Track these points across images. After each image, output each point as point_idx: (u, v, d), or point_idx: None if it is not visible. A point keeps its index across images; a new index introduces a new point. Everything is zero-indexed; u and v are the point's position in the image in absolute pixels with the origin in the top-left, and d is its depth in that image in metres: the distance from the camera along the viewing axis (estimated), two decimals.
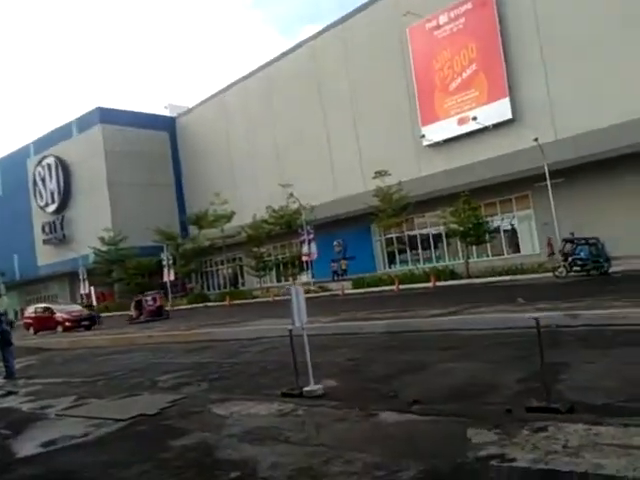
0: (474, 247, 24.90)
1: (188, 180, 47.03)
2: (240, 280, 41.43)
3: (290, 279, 36.44)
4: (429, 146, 29.11)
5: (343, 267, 30.51)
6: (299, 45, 37.03)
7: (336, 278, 29.97)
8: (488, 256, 25.87)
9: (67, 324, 22.96)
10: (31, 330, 23.90)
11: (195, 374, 8.95)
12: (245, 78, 42.01)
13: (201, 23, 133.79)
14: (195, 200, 43.45)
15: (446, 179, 24.75)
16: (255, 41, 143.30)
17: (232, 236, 33.61)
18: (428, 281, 22.96)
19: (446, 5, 27.72)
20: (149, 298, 24.15)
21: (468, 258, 23.68)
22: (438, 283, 22.45)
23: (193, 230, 39.06)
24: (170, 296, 36.01)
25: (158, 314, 23.52)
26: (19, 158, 50.51)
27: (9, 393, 9.60)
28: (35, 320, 24.70)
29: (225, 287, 40.38)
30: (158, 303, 24.29)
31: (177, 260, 36.65)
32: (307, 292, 29.47)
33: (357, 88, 33.11)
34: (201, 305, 32.94)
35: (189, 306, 33.55)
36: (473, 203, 21.62)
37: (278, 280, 37.39)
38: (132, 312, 24.42)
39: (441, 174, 25.78)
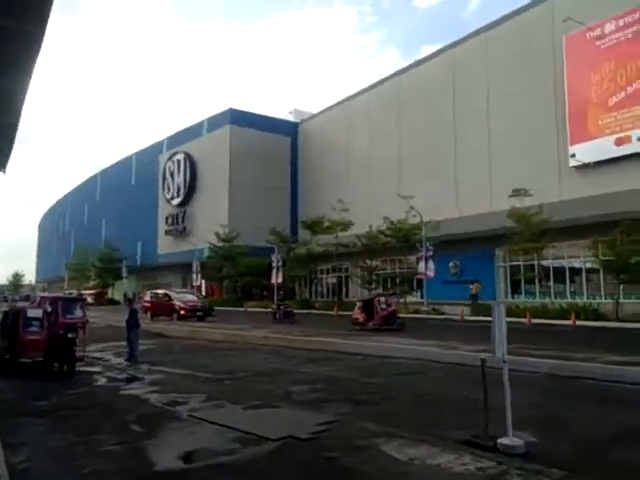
0: (622, 285, 21.47)
1: (303, 185, 47.24)
2: (344, 290, 40.41)
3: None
4: (576, 167, 25.96)
5: (474, 291, 28.10)
6: (435, 54, 35.49)
7: (472, 302, 27.45)
8: None
9: (182, 312, 23.37)
10: (148, 314, 24.63)
11: (332, 389, 7.84)
12: (372, 87, 41.29)
13: (333, 37, 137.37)
14: (308, 206, 43.39)
15: (598, 205, 21.68)
16: (379, 56, 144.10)
17: (346, 245, 32.68)
18: (565, 318, 20.10)
19: (612, 13, 24.66)
20: (382, 300, 19.14)
21: (618, 297, 20.42)
22: (578, 322, 19.52)
23: (304, 235, 38.81)
24: (275, 299, 35.95)
25: (390, 322, 18.22)
26: (153, 153, 54.35)
27: (133, 378, 9.21)
28: (153, 305, 25.50)
29: (328, 296, 39.60)
30: (392, 308, 19.19)
31: (287, 263, 36.55)
32: (417, 312, 27.79)
33: (495, 100, 30.76)
34: (305, 312, 32.35)
35: (295, 310, 33.11)
36: (635, 234, 18.51)
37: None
38: (358, 315, 19.18)
39: (590, 199, 22.70)
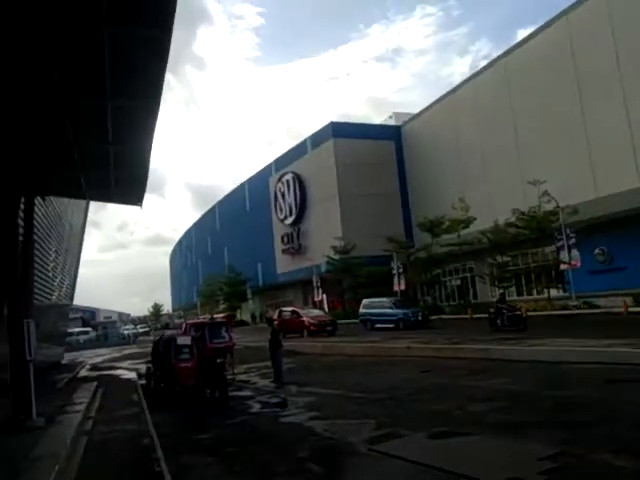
0: None
1: (413, 187, 45.57)
2: (471, 291, 37.82)
3: (535, 292, 31.60)
4: None
5: None
6: (545, 26, 32.26)
7: None
8: None
9: (312, 328, 23.13)
10: (269, 333, 24.72)
11: (520, 408, 6.54)
12: (476, 75, 38.76)
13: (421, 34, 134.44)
14: (420, 208, 41.58)
15: None
16: (470, 49, 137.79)
17: (470, 243, 30.48)
18: None
19: None
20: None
21: None
22: None
23: (420, 238, 37.07)
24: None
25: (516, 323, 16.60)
26: (263, 177, 56.33)
27: (287, 403, 8.63)
28: (282, 323, 25.55)
29: (453, 299, 37.34)
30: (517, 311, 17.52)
31: (408, 269, 35.13)
32: (565, 308, 24.77)
33: (626, 60, 26.95)
34: (435, 317, 30.61)
35: None
36: None
37: (519, 294, 32.70)
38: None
39: None
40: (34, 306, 9.38)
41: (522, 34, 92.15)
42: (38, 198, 9.70)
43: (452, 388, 8.40)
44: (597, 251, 28.16)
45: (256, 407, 8.57)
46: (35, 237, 10.75)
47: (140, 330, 58.69)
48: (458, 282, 38.14)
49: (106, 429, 7.21)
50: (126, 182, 9.78)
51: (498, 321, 17.62)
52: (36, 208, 9.77)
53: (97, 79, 5.99)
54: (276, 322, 26.09)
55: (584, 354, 9.95)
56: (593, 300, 24.73)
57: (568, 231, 24.73)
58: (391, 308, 24.29)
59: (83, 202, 18.75)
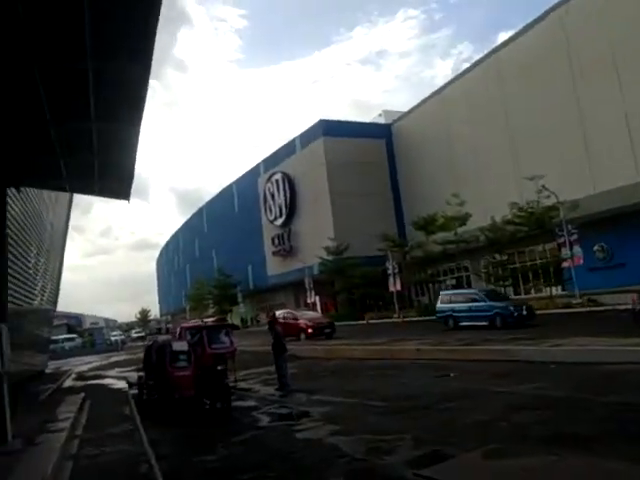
0: None
1: (405, 186, 44.92)
2: None
3: (533, 290, 31.11)
4: None
5: None
6: (540, 19, 31.83)
7: None
8: None
9: (310, 331, 22.22)
10: (272, 336, 23.79)
11: (570, 417, 5.74)
12: (468, 71, 38.25)
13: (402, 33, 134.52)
14: (413, 206, 40.96)
15: None
16: (451, 52, 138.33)
17: (467, 241, 29.82)
18: None
19: None
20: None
21: None
22: None
23: (414, 237, 36.33)
24: (397, 308, 33.92)
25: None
26: (251, 177, 55.25)
27: (299, 415, 7.72)
28: (279, 326, 24.64)
29: None
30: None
31: (403, 269, 34.39)
32: (569, 306, 24.15)
33: (623, 49, 26.58)
34: (433, 317, 29.86)
35: (421, 318, 30.79)
36: None
37: (516, 293, 32.13)
38: None
39: None
40: (8, 309, 8.32)
41: (503, 37, 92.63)
42: (12, 189, 8.67)
43: (481, 395, 7.57)
44: (597, 247, 27.71)
45: (264, 420, 7.64)
46: (11, 235, 9.71)
47: (135, 335, 57.26)
48: (453, 282, 37.54)
49: (95, 451, 6.23)
50: (111, 172, 8.80)
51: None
52: (10, 202, 8.75)
53: (75, 35, 5.03)
54: (279, 324, 25.23)
55: (616, 354, 9.20)
56: (596, 297, 24.24)
57: (569, 227, 24.20)
58: (483, 301, 19.50)
59: (65, 200, 17.66)
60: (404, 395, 8.14)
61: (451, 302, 21.08)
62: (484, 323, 18.73)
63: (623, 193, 24.63)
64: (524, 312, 18.35)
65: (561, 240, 24.48)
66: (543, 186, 24.78)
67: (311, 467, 4.93)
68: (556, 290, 28.35)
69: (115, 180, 9.48)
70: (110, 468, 5.51)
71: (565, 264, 24.62)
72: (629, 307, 19.94)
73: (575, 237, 24.04)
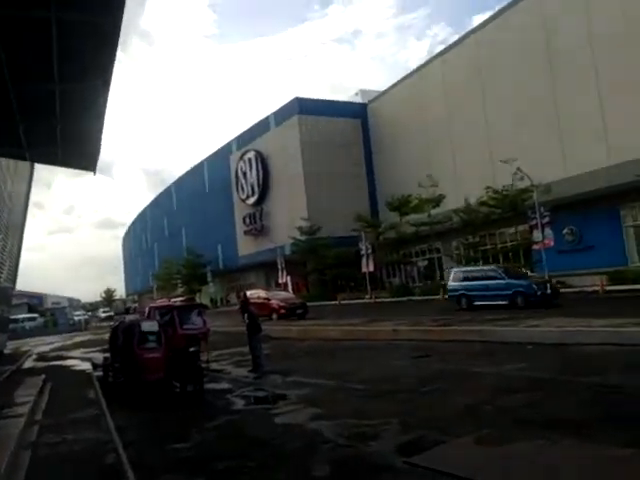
0: None
1: (380, 167, 44.66)
2: (438, 273, 37.53)
3: None
4: None
5: None
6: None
7: None
8: None
9: (282, 311, 21.90)
10: (245, 316, 23.41)
11: (557, 399, 5.59)
12: (446, 51, 37.94)
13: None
14: (387, 187, 40.78)
15: None
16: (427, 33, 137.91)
17: (441, 222, 29.87)
18: None
19: None
20: None
21: None
22: None
23: (387, 218, 36.23)
24: (369, 288, 33.94)
25: None
26: (223, 155, 53.93)
27: (276, 397, 7.41)
28: (252, 306, 24.22)
29: (419, 281, 36.97)
30: None
31: (376, 249, 34.31)
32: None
33: (603, 39, 26.69)
34: (404, 299, 30.04)
35: (393, 299, 30.92)
36: None
37: None
38: None
39: None
40: None
41: (479, 19, 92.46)
42: None
43: (462, 376, 7.42)
44: (566, 230, 28.17)
45: (239, 403, 7.30)
46: None
47: (103, 315, 55.71)
48: (425, 262, 37.80)
49: (56, 438, 5.76)
50: (76, 140, 8.14)
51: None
52: None
53: None
54: (253, 303, 24.64)
55: (592, 335, 9.22)
56: (567, 279, 24.72)
57: (542, 210, 24.46)
58: (502, 278, 17.82)
59: (26, 172, 16.63)
60: (383, 377, 7.93)
61: (464, 280, 19.42)
62: (503, 302, 17.21)
63: (594, 177, 25.00)
64: (548, 291, 17.36)
65: (533, 222, 24.74)
66: (518, 168, 24.89)
67: (292, 454, 4.62)
68: (525, 272, 28.76)
69: (80, 149, 8.81)
70: (73, 458, 5.07)
71: (536, 246, 24.94)
72: (597, 289, 20.50)
73: (547, 220, 24.31)
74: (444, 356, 9.23)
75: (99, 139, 8.08)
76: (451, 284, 20.24)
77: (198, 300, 54.12)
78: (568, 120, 28.93)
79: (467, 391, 6.36)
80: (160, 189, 74.90)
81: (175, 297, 51.29)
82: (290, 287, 40.56)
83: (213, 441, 5.37)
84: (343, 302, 32.83)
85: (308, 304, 28.89)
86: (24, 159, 10.26)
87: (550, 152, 29.13)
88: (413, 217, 31.81)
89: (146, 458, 4.90)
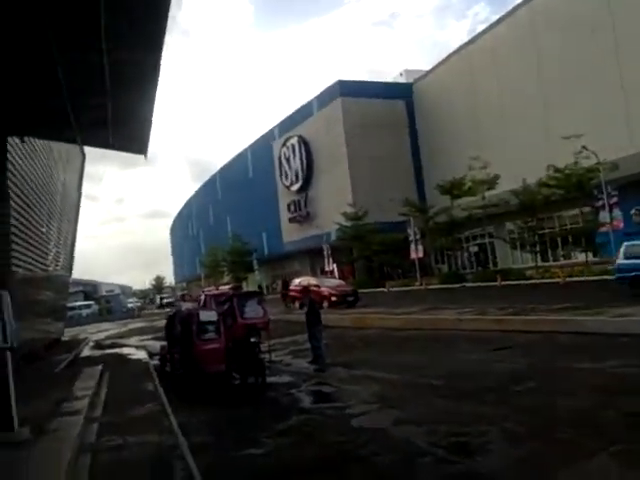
0: None
1: (426, 149, 43.19)
2: (490, 258, 35.94)
3: (563, 257, 30.03)
4: None
5: None
6: None
7: None
8: None
9: (333, 299, 21.30)
10: (296, 304, 23.02)
11: None
12: (497, 24, 35.97)
13: None
14: (434, 170, 39.33)
15: None
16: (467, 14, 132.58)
17: (496, 205, 28.35)
18: None
19: None
20: None
21: None
22: None
23: (436, 202, 34.79)
24: (419, 275, 32.89)
25: None
26: (266, 142, 53.61)
27: (346, 394, 6.76)
28: (301, 294, 23.76)
29: (472, 267, 35.53)
30: None
31: (427, 235, 33.12)
32: (606, 273, 22.82)
33: None
34: (458, 286, 28.78)
35: (443, 286, 29.74)
36: None
37: (543, 259, 30.72)
38: None
39: None
40: (18, 275, 7.38)
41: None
42: (14, 138, 7.61)
43: (559, 373, 6.53)
44: (633, 211, 26.15)
45: (306, 400, 6.71)
46: (18, 193, 8.71)
47: (165, 301, 56.39)
48: (475, 248, 36.30)
49: (117, 441, 5.33)
50: (127, 118, 7.68)
51: None
52: (13, 152, 7.69)
53: None
54: (294, 293, 24.05)
55: None
56: None
57: (609, 189, 22.71)
58: None
59: (77, 162, 16.62)
60: (462, 372, 7.15)
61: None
62: None
63: None
64: None
65: (599, 203, 23.04)
66: (584, 146, 23.11)
67: (390, 471, 3.94)
68: (585, 257, 26.97)
69: (131, 132, 8.39)
70: (136, 466, 4.59)
71: (604, 228, 23.22)
72: None
73: (615, 200, 22.59)
74: (528, 349, 8.32)
75: (150, 116, 7.62)
76: (622, 262, 14.73)
77: (245, 288, 54.54)
78: (634, 92, 26.77)
79: (572, 392, 5.51)
80: (204, 179, 75.77)
81: (222, 285, 51.85)
82: (336, 274, 40.01)
83: (288, 447, 4.77)
84: (392, 289, 31.93)
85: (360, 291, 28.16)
86: (75, 142, 10.00)
87: (615, 126, 27.08)
88: (465, 200, 30.40)
89: (218, 468, 4.36)
